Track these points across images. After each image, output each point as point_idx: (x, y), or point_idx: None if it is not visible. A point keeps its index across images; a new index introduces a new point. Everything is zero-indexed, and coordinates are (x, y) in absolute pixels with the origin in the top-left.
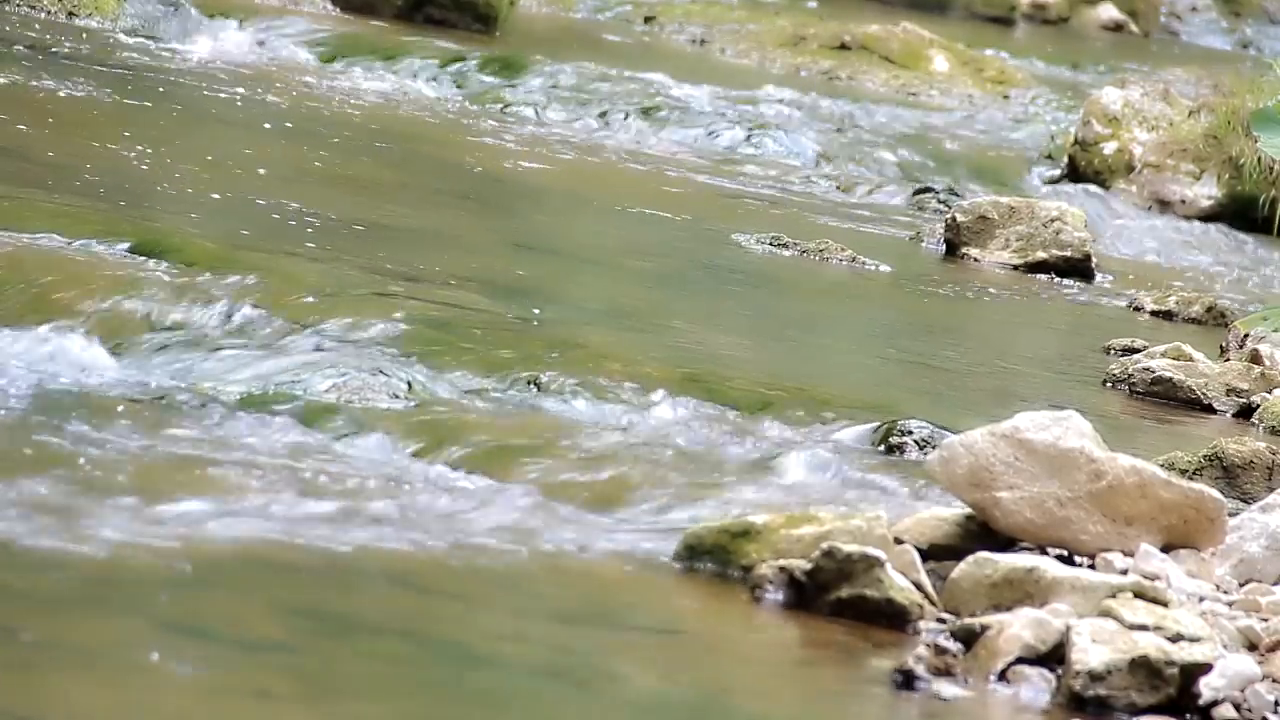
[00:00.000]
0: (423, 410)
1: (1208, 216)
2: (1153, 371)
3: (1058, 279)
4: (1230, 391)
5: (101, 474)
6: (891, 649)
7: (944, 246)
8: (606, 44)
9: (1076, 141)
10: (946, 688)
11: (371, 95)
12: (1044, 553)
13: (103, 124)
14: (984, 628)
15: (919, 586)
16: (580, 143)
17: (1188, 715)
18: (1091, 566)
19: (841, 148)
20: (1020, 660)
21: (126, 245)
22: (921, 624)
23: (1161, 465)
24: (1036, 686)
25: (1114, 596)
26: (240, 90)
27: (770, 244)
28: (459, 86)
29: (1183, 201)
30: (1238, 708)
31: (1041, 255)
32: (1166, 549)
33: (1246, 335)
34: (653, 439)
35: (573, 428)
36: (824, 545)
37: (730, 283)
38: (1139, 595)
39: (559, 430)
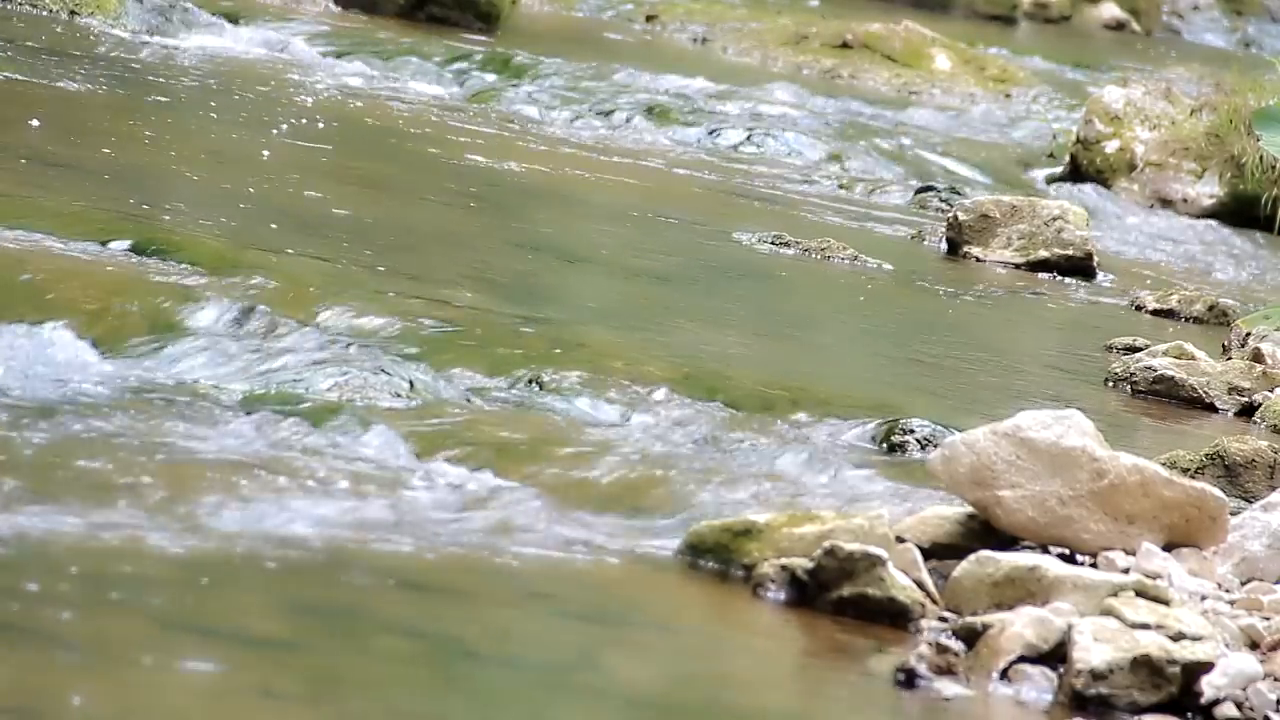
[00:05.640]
0: (425, 409)
1: (1210, 215)
2: (1154, 370)
3: (1060, 278)
4: (1232, 390)
5: (102, 474)
6: (893, 647)
7: (946, 245)
8: (608, 42)
9: (1078, 140)
10: (948, 686)
11: (372, 94)
12: (1046, 551)
13: (104, 123)
14: (986, 626)
15: (921, 585)
16: (582, 141)
17: (1189, 714)
18: (1093, 565)
19: (843, 146)
20: (1022, 659)
21: (127, 245)
22: (923, 622)
23: (1163, 464)
24: (1038, 685)
25: (1116, 595)
26: (241, 89)
27: (772, 243)
28: (460, 85)
29: (1185, 200)
30: (1239, 706)
31: (1043, 254)
32: (1168, 548)
33: (1248, 334)
34: (654, 438)
35: (574, 426)
36: (826, 544)
37: (732, 282)
38: (1141, 594)
39: (560, 429)
